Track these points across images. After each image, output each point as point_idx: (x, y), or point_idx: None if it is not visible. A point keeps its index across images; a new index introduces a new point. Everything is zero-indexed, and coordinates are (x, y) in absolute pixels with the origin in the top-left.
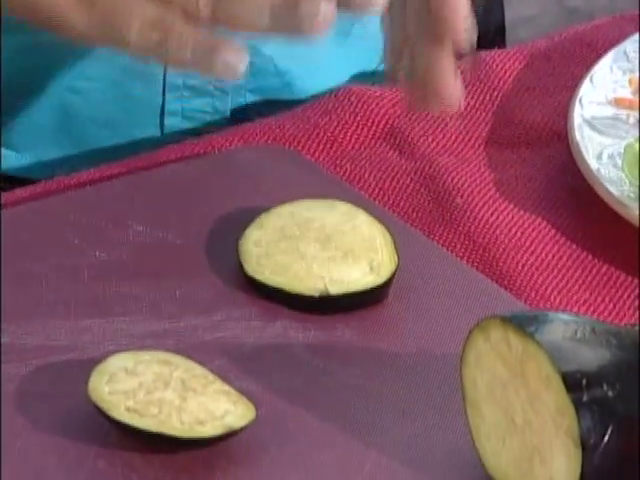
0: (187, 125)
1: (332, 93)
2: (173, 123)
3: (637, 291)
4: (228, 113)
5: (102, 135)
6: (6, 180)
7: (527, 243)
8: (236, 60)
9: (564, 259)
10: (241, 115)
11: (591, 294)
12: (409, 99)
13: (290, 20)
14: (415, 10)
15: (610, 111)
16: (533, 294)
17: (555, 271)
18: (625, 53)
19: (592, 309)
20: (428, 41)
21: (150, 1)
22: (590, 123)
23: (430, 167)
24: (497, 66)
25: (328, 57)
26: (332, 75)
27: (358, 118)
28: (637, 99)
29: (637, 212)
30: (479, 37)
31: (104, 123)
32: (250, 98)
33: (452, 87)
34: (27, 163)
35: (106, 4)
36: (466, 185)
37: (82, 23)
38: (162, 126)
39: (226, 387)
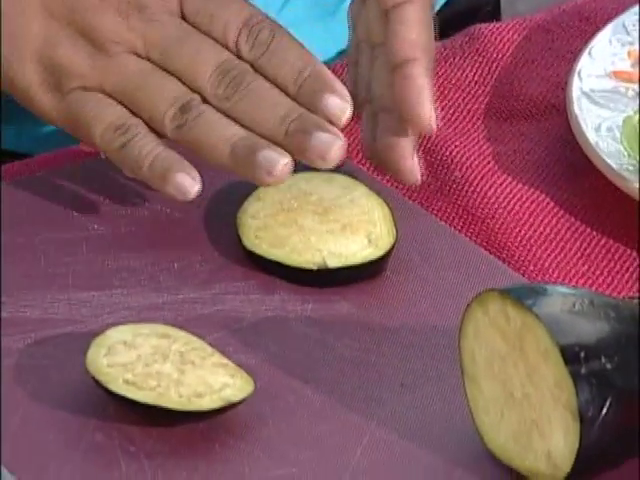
0: None
1: (330, 66)
2: None
3: (636, 264)
4: None
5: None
6: (2, 154)
7: (525, 216)
8: (189, 183)
9: (562, 232)
10: None
11: (589, 267)
12: (369, 155)
13: (248, 163)
14: (379, 80)
15: (609, 84)
16: (531, 267)
17: (553, 244)
18: (624, 26)
19: (590, 282)
20: (390, 120)
21: (119, 104)
22: (589, 96)
23: (428, 140)
24: (496, 39)
25: (313, 34)
26: (317, 53)
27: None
28: (636, 72)
29: (636, 185)
30: (475, 11)
31: None
32: None
33: (411, 165)
34: (18, 137)
35: (76, 98)
36: (464, 158)
37: (51, 111)
38: None
39: (224, 360)
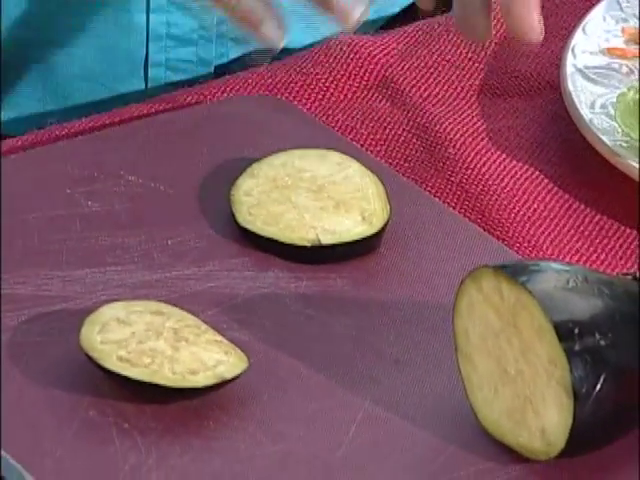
0: (171, 77)
1: (324, 43)
2: (157, 74)
3: (629, 240)
4: (212, 64)
5: (86, 89)
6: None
7: (519, 193)
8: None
9: (556, 209)
10: (224, 70)
11: (583, 243)
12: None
13: None
14: None
15: (603, 60)
16: (525, 244)
17: (547, 221)
18: (618, 2)
19: (584, 258)
20: None
21: None
22: (583, 72)
23: (422, 117)
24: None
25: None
26: (322, 28)
27: (350, 68)
28: (630, 48)
29: (629, 161)
30: None
31: (87, 77)
32: (233, 48)
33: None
34: (10, 120)
35: None
36: (458, 135)
37: None
38: (146, 78)
39: (218, 337)
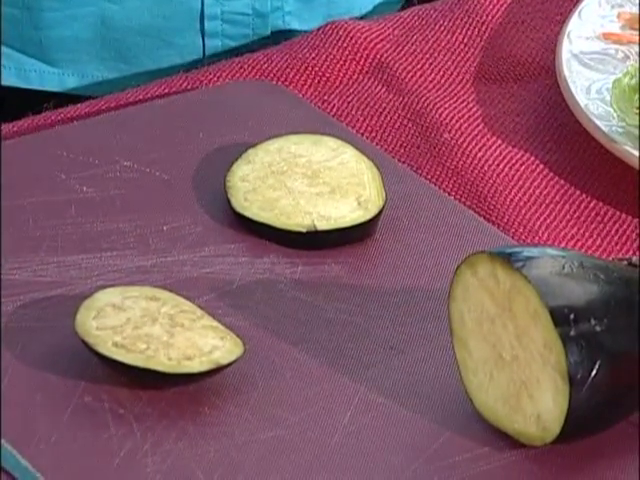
0: (227, 30)
1: (320, 28)
2: (213, 28)
3: (625, 226)
4: (268, 17)
5: (142, 44)
6: (51, 96)
7: (515, 178)
8: None
9: (552, 194)
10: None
11: (579, 229)
12: None
13: None
14: None
15: (598, 46)
16: (521, 229)
17: (543, 206)
18: None
19: (580, 244)
20: None
21: None
22: (578, 58)
23: (418, 102)
24: (485, 1)
25: None
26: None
27: (346, 53)
28: (625, 34)
29: (625, 147)
30: None
31: (143, 31)
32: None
33: None
34: (72, 80)
35: None
36: (454, 120)
37: None
38: (203, 31)
39: (214, 323)
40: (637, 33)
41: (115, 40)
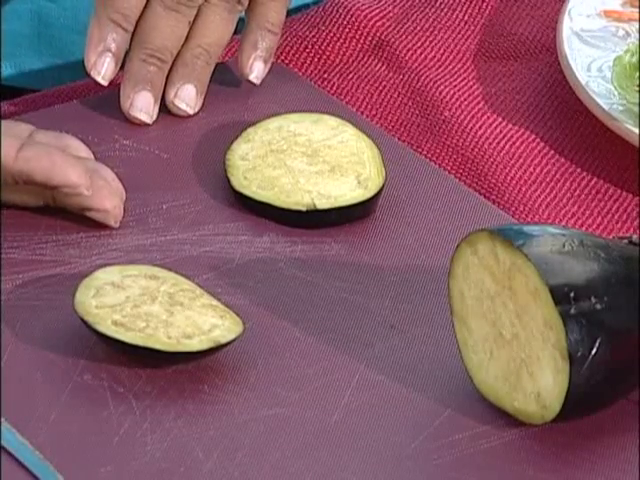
0: None
1: (319, 5)
2: None
3: (626, 204)
4: None
5: (78, 41)
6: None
7: (515, 156)
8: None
9: (552, 172)
10: None
11: (579, 207)
12: None
13: None
14: None
15: (599, 23)
16: (521, 207)
17: (543, 184)
18: None
19: (580, 222)
20: None
21: None
22: (579, 35)
23: (418, 80)
24: None
25: None
26: None
27: (346, 30)
28: (626, 11)
29: (625, 125)
30: None
31: (79, 30)
32: None
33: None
34: (10, 72)
35: None
36: (454, 98)
37: None
38: None
39: (213, 301)
40: (637, 10)
41: (52, 37)
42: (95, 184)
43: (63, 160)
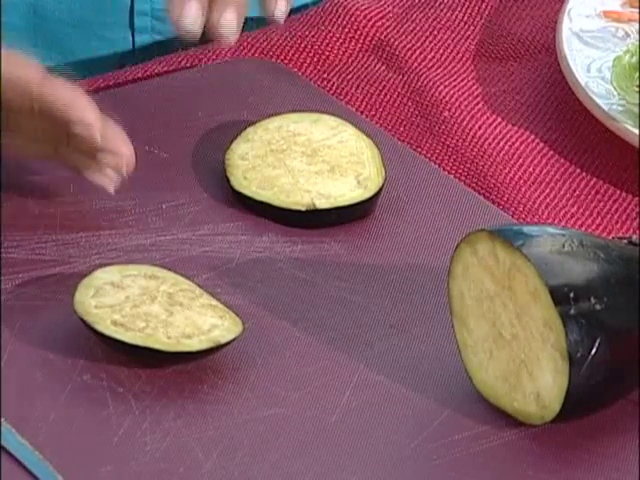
0: (157, 26)
1: (319, 6)
2: (143, 24)
3: (625, 204)
4: None
5: (74, 35)
6: None
7: (515, 157)
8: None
9: (552, 173)
10: None
11: (579, 208)
12: None
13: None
14: None
15: (599, 24)
16: (521, 208)
17: (543, 185)
18: None
19: (580, 223)
20: None
21: None
22: (579, 36)
23: (418, 80)
24: None
25: None
26: None
27: (346, 30)
28: (626, 11)
29: (625, 125)
30: None
31: (74, 23)
32: None
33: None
34: None
35: None
36: (454, 99)
37: None
38: (132, 27)
39: (213, 301)
40: (637, 11)
41: (47, 30)
42: (110, 130)
43: (84, 98)
